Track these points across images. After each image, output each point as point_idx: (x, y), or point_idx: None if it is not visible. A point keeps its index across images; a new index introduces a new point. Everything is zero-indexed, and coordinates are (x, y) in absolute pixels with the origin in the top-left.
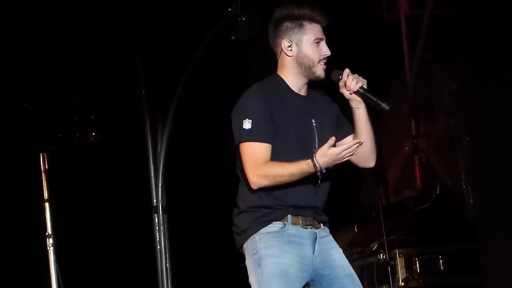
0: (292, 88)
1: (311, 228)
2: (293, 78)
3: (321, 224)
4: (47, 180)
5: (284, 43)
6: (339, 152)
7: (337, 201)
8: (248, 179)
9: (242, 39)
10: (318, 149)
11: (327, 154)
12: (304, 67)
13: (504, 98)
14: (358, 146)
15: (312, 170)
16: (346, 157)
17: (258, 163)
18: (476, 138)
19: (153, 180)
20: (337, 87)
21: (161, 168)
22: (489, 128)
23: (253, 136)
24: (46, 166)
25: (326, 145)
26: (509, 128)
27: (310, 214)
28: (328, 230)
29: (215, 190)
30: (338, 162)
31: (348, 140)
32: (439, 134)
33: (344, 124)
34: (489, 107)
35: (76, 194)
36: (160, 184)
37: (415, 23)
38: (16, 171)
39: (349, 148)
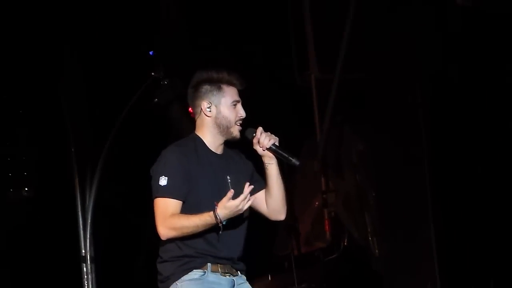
0: (209, 147)
1: (229, 275)
2: (211, 138)
3: (239, 272)
4: None
5: (204, 104)
6: (237, 203)
7: (251, 250)
8: (158, 231)
9: (164, 101)
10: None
11: (227, 206)
12: (222, 127)
13: (405, 157)
14: (249, 189)
15: (214, 221)
16: (245, 206)
17: (167, 216)
18: (381, 194)
19: (81, 231)
20: (250, 144)
21: (89, 220)
22: (392, 184)
23: (166, 192)
24: None
25: (225, 198)
26: (409, 184)
27: (228, 263)
28: (245, 278)
29: (141, 241)
30: (238, 213)
31: (261, 195)
32: (347, 190)
33: (257, 180)
34: (392, 165)
35: (8, 245)
36: (88, 236)
37: (325, 86)
38: None
39: (245, 198)
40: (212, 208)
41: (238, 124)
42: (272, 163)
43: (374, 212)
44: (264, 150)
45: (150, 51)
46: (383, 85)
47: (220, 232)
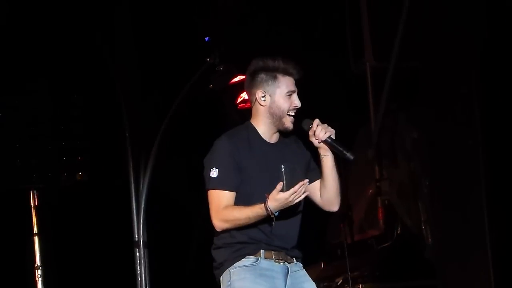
0: (263, 136)
1: (283, 262)
2: (264, 127)
3: (294, 259)
4: (36, 215)
5: (259, 94)
6: (287, 196)
7: (304, 238)
8: (213, 223)
9: (220, 87)
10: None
11: (277, 198)
12: (275, 117)
13: (459, 147)
14: (303, 187)
15: (265, 213)
16: (296, 199)
17: (220, 208)
18: (435, 182)
19: (135, 217)
20: (306, 135)
21: (143, 205)
22: (446, 173)
23: (218, 184)
24: (36, 203)
25: (275, 191)
26: (463, 174)
27: (283, 250)
28: (301, 265)
29: (194, 227)
30: (289, 205)
31: (316, 184)
32: (401, 178)
33: (313, 169)
34: (447, 154)
35: (63, 229)
36: (141, 221)
37: (380, 74)
38: (8, 206)
39: (295, 192)
40: (264, 199)
41: (292, 115)
42: (328, 155)
43: (428, 200)
44: (319, 143)
45: (206, 37)
46: (437, 73)
47: (273, 223)
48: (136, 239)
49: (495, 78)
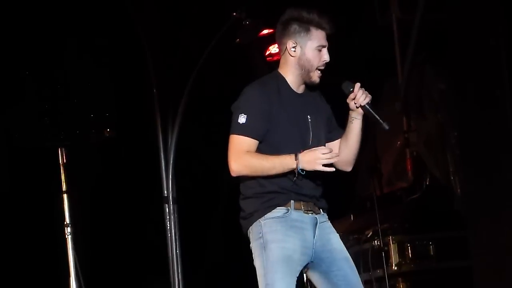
0: (291, 86)
1: (312, 213)
2: (292, 77)
3: (321, 210)
4: (65, 173)
5: (290, 44)
6: (319, 152)
7: (334, 191)
8: (230, 168)
9: (246, 42)
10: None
11: (309, 153)
12: (304, 69)
13: (487, 97)
14: (334, 159)
15: (293, 165)
16: (322, 161)
17: (241, 152)
18: (463, 133)
19: (163, 173)
20: (346, 97)
21: (171, 161)
22: (474, 124)
23: (245, 130)
24: (64, 160)
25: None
26: (492, 124)
27: (312, 200)
28: (327, 216)
29: (222, 183)
30: (313, 164)
31: (337, 143)
32: (429, 130)
33: (335, 127)
34: (475, 105)
35: (92, 186)
36: (170, 177)
37: (407, 26)
38: (37, 164)
39: (328, 155)
40: (293, 150)
41: (320, 70)
42: (358, 118)
43: (456, 151)
44: (357, 107)
45: None
46: (465, 25)
47: (295, 178)
48: (165, 195)
49: None
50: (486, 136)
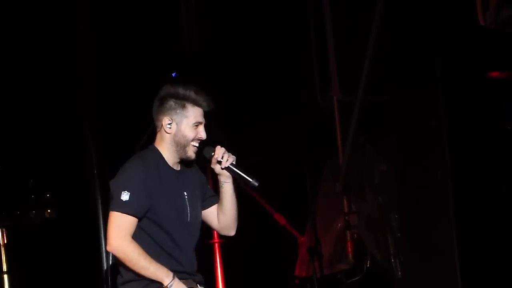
0: (168, 163)
1: None
2: (169, 154)
3: (198, 284)
4: (5, 253)
5: (165, 120)
6: None
7: (273, 273)
8: (109, 242)
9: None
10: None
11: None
12: (179, 145)
13: (428, 180)
14: None
15: (164, 282)
16: None
17: (123, 232)
18: (403, 215)
19: (104, 253)
20: (208, 162)
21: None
22: (415, 206)
23: (127, 208)
24: (5, 241)
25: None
26: (433, 207)
27: (188, 277)
28: None
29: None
30: None
31: (213, 209)
32: (369, 212)
33: (210, 195)
34: (415, 187)
35: (32, 265)
36: (110, 257)
37: (348, 107)
38: None
39: None
40: (183, 226)
41: (195, 145)
42: (229, 182)
43: (397, 233)
44: (222, 169)
45: (173, 72)
46: (406, 107)
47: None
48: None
49: (463, 111)
50: (426, 217)
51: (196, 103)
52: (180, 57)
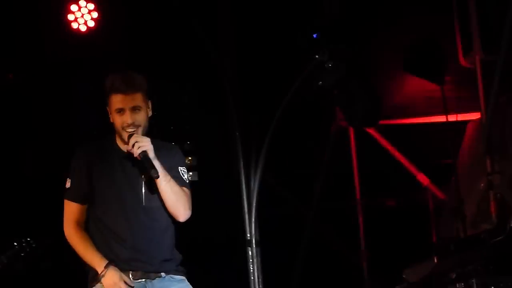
0: (121, 147)
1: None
2: (119, 140)
3: (161, 273)
4: None
5: (108, 111)
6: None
7: (417, 235)
8: (64, 230)
9: (329, 84)
10: (112, 270)
11: (113, 280)
12: (118, 133)
13: None
14: None
15: (97, 270)
16: None
17: (68, 220)
18: None
19: (246, 216)
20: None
21: (254, 204)
22: None
23: (68, 195)
24: None
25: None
26: None
27: (142, 266)
28: (179, 278)
29: (304, 225)
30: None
31: None
32: None
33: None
34: None
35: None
36: (253, 220)
37: (490, 67)
38: None
39: None
40: (135, 208)
41: (129, 131)
42: (155, 176)
43: None
44: (137, 158)
45: (315, 33)
46: None
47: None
48: (249, 238)
49: None
50: None
51: (114, 91)
52: (321, 20)
